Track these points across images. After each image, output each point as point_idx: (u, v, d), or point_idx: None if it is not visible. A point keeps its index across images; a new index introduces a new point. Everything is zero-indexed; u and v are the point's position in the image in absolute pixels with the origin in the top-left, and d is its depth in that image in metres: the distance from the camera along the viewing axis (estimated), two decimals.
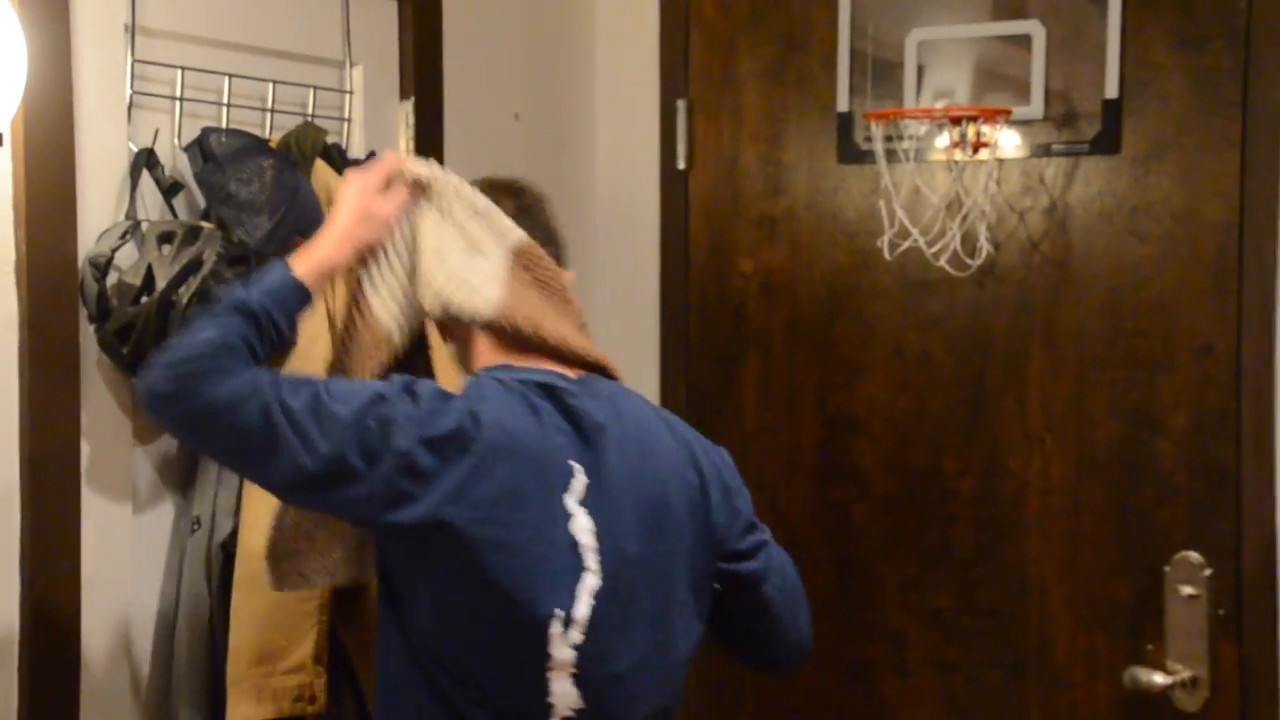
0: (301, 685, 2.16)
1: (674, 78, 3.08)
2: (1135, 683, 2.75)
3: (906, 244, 2.83)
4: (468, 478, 1.67)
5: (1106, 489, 2.80)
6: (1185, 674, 2.72)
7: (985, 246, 2.83)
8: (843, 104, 2.90)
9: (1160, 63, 2.70)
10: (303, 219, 2.21)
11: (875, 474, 2.97)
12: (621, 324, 3.14)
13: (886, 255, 2.86)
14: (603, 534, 1.75)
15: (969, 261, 2.81)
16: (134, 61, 2.09)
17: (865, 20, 2.86)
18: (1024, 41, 2.75)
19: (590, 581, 1.75)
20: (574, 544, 1.73)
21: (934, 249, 2.82)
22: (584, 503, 1.75)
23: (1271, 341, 2.68)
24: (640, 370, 3.10)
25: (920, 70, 2.84)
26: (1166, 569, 2.74)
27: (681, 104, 3.06)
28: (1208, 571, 2.72)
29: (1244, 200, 2.67)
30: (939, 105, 2.82)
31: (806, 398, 3.01)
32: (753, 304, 3.02)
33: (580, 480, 1.75)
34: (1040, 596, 2.85)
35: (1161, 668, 2.73)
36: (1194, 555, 2.72)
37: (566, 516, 1.73)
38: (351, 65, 2.53)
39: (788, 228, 2.98)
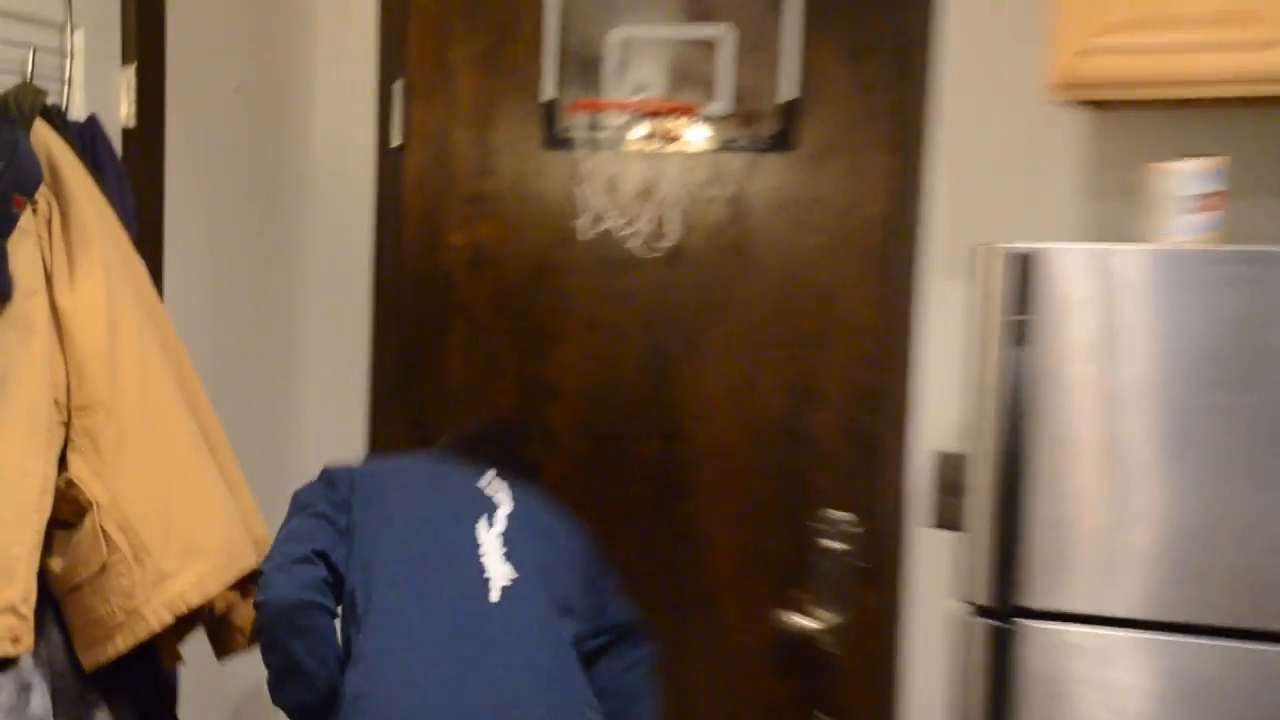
0: (8, 626, 2.15)
1: (392, 59, 3.16)
2: (787, 627, 2.95)
3: (603, 226, 2.97)
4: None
5: (771, 453, 2.99)
6: (830, 619, 2.92)
7: (673, 231, 2.98)
8: (548, 93, 3.03)
9: (832, 72, 2.90)
10: (23, 175, 2.24)
11: (567, 436, 3.09)
12: (336, 293, 3.25)
13: (582, 236, 2.99)
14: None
15: (658, 245, 2.96)
16: None
17: (572, 16, 3.00)
18: (714, 44, 2.92)
19: (505, 508, 2.47)
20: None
21: (627, 232, 2.96)
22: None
23: (909, 325, 2.92)
24: (354, 335, 3.26)
25: (621, 65, 2.99)
26: (817, 525, 2.93)
27: (399, 85, 3.13)
28: (852, 528, 2.93)
29: (895, 198, 2.89)
30: (636, 99, 2.97)
31: (507, 364, 3.12)
32: (460, 276, 3.13)
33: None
34: (710, 549, 3.03)
35: (810, 613, 2.92)
36: (841, 513, 2.93)
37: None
38: (73, 28, 2.50)
39: (495, 206, 3.10)
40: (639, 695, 2.57)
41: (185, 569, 2.30)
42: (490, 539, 2.44)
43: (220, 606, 2.40)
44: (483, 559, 2.41)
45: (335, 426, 3.33)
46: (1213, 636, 2.28)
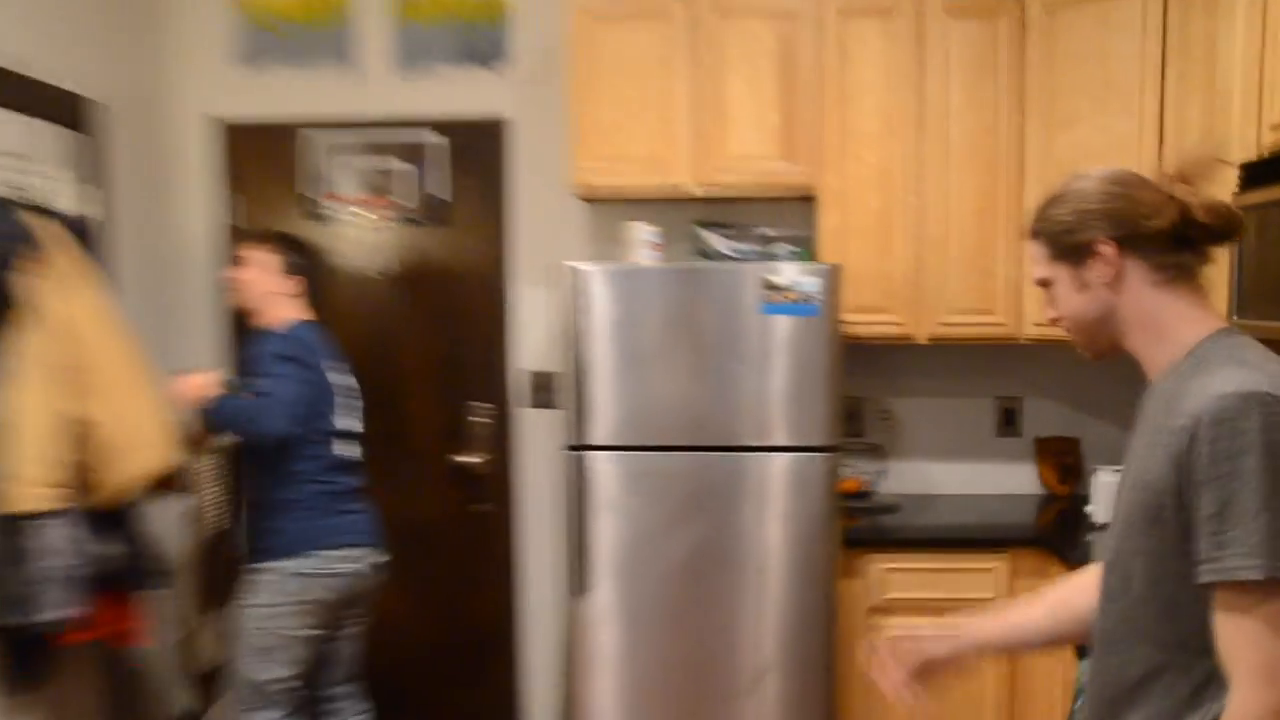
0: (43, 492, 2.41)
1: (232, 182, 3.52)
2: (457, 462, 3.51)
3: (347, 261, 3.50)
4: None
5: (445, 373, 3.55)
6: (481, 457, 3.47)
7: (390, 265, 3.52)
8: (309, 191, 3.57)
9: (465, 184, 3.54)
10: (15, 236, 2.45)
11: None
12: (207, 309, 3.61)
13: (333, 265, 3.48)
14: None
15: (384, 273, 3.50)
16: None
17: (319, 151, 3.54)
18: (405, 173, 3.52)
19: None
20: None
21: (365, 266, 3.51)
22: None
23: (509, 308, 3.45)
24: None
25: (350, 179, 3.52)
26: (471, 408, 3.50)
27: (237, 197, 3.58)
28: (489, 410, 3.50)
29: (498, 246, 3.47)
30: (360, 195, 3.54)
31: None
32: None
33: None
34: (415, 423, 3.56)
35: (469, 454, 3.53)
36: (482, 403, 3.51)
37: None
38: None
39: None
40: None
41: (141, 455, 2.65)
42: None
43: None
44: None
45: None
46: (655, 451, 2.81)
